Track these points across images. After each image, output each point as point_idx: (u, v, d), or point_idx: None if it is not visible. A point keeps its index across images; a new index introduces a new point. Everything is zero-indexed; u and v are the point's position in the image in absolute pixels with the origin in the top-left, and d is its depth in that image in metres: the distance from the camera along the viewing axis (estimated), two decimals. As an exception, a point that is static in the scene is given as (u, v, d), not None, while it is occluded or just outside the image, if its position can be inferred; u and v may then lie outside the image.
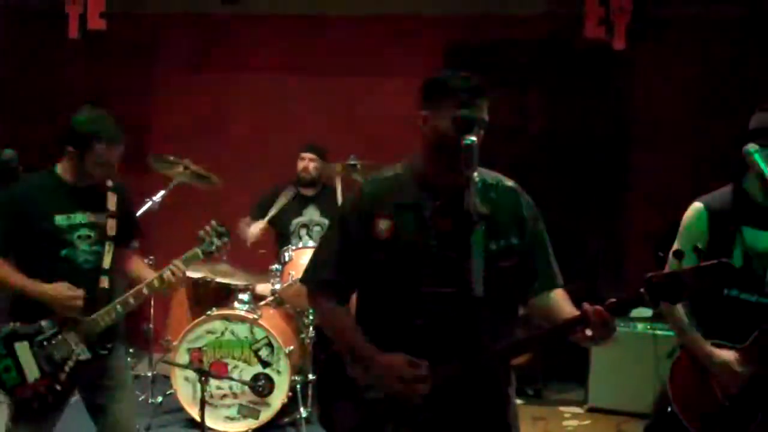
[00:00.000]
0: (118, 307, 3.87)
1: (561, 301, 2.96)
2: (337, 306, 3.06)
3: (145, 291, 3.93)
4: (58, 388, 3.79)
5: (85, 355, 3.82)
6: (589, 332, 2.72)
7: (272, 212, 6.33)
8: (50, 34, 7.08)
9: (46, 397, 3.78)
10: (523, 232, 2.97)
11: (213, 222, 4.09)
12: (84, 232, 3.88)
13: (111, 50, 7.52)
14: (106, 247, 3.92)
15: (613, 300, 2.73)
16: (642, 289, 2.70)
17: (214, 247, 4.07)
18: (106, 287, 3.89)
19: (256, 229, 6.30)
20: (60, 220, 3.84)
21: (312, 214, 6.44)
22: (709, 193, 3.66)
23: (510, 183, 3.05)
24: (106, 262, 3.92)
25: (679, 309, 3.60)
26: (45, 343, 3.79)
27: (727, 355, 3.50)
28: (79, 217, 3.88)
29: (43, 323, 3.80)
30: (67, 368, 3.80)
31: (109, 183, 3.99)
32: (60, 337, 3.80)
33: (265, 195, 6.55)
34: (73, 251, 3.86)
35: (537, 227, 3.03)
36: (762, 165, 3.36)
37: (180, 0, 7.63)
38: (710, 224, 3.54)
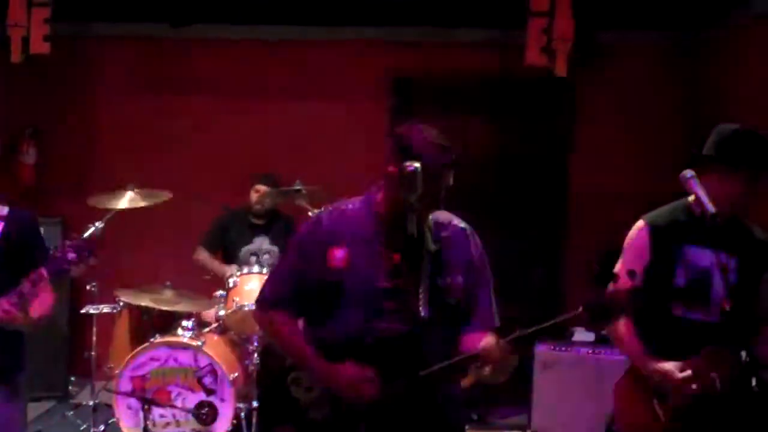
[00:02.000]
0: None
1: (476, 340, 3.04)
2: (286, 319, 3.16)
3: None
4: None
5: None
6: (485, 369, 2.87)
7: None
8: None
9: None
10: (469, 274, 3.09)
11: (74, 235, 3.83)
12: None
13: (55, 74, 7.45)
14: None
15: (515, 334, 2.85)
16: (580, 309, 2.79)
17: (66, 266, 3.69)
18: None
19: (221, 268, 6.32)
20: None
21: (262, 242, 6.43)
22: (654, 211, 3.73)
23: (462, 224, 3.18)
24: None
25: (621, 328, 3.65)
26: None
27: (670, 364, 3.53)
28: None
29: None
30: None
31: (2, 211, 3.83)
32: None
33: (215, 225, 6.54)
34: None
35: (483, 269, 3.15)
36: (699, 191, 3.44)
37: (126, 24, 7.57)
38: (653, 242, 3.61)
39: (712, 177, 3.48)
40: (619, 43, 7.23)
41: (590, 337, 6.21)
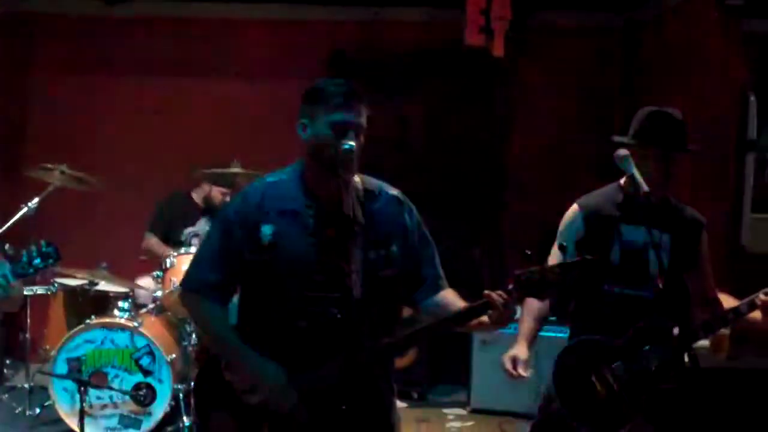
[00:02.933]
0: None
1: (452, 298, 3.04)
2: (214, 307, 3.04)
3: None
4: None
5: None
6: (493, 316, 2.81)
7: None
8: None
9: None
10: (405, 240, 3.03)
11: (41, 242, 3.73)
12: None
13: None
14: None
15: (510, 287, 2.81)
16: (510, 286, 2.80)
17: (31, 271, 3.70)
18: None
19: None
20: None
21: (204, 223, 6.36)
22: (589, 194, 3.80)
23: (393, 191, 3.10)
24: None
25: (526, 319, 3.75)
26: None
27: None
28: None
29: None
30: None
31: None
32: None
33: (158, 209, 6.44)
34: None
35: (421, 234, 3.09)
36: (633, 170, 3.51)
37: (60, 0, 7.43)
38: (587, 224, 3.69)
39: (635, 158, 3.56)
40: (556, 24, 7.28)
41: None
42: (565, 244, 3.35)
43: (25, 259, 3.68)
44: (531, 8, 6.77)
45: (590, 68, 7.36)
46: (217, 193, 6.37)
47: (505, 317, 2.81)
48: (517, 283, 2.79)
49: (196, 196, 6.42)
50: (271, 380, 2.88)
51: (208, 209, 6.40)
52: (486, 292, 2.82)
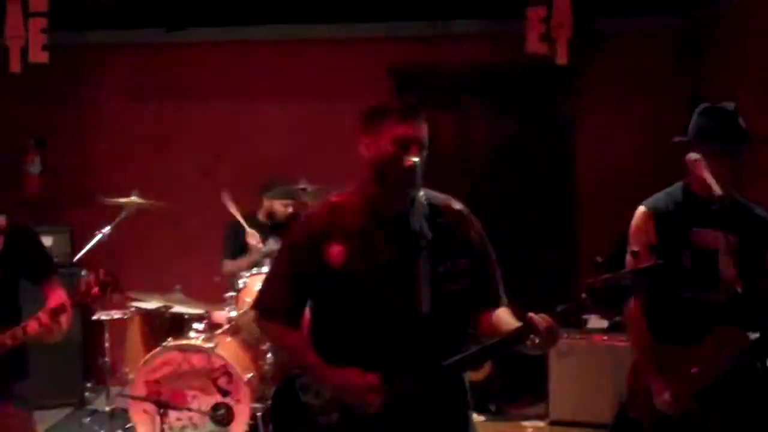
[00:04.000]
0: None
1: (505, 316, 3.00)
2: (286, 329, 3.06)
3: (8, 342, 3.69)
4: None
5: None
6: (535, 340, 2.77)
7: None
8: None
9: None
10: (470, 254, 3.01)
11: (100, 271, 3.80)
12: None
13: (55, 83, 7.45)
14: None
15: (558, 309, 2.78)
16: (583, 295, 2.75)
17: (89, 299, 3.77)
18: None
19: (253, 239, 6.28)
20: None
21: (274, 244, 6.40)
22: (654, 196, 3.74)
23: (458, 206, 3.09)
24: None
25: (641, 325, 3.66)
26: None
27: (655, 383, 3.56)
28: None
29: None
30: None
31: (0, 224, 3.85)
32: None
33: (228, 232, 6.50)
34: None
35: (484, 249, 3.08)
36: (705, 173, 3.45)
37: (121, 31, 7.57)
38: (657, 226, 3.61)
39: (704, 158, 3.51)
40: (618, 30, 7.20)
41: (604, 324, 6.21)
42: (636, 249, 3.29)
43: (83, 289, 3.74)
44: (592, 14, 6.70)
45: (655, 72, 7.25)
46: (279, 206, 6.43)
47: (549, 341, 2.78)
48: (590, 291, 2.75)
49: (261, 215, 6.46)
50: (355, 381, 2.87)
51: (274, 226, 6.43)
52: (529, 314, 2.79)
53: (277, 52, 7.61)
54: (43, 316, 3.68)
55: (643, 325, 3.66)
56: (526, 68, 6.98)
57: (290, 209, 6.40)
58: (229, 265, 6.43)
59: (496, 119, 7.52)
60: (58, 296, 3.88)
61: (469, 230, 3.05)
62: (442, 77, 7.37)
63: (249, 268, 6.10)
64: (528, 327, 2.77)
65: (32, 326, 3.67)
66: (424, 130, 2.91)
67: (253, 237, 6.27)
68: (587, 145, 7.38)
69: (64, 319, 3.73)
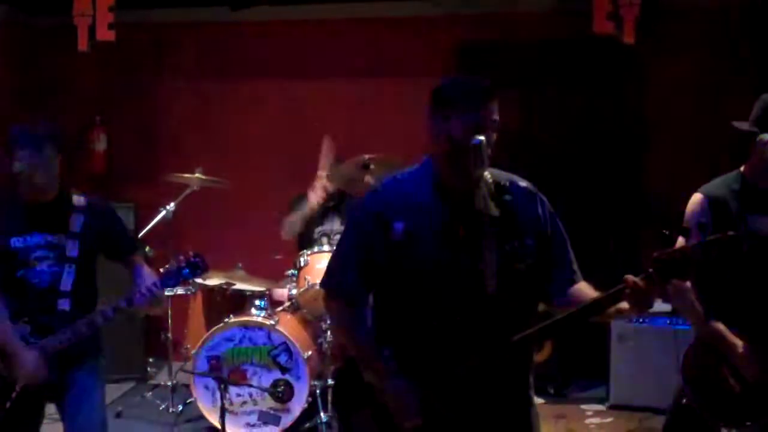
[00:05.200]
0: (69, 332, 3.74)
1: (586, 289, 2.97)
2: (351, 312, 3.07)
3: (99, 320, 3.78)
4: (6, 408, 3.71)
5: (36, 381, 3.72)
6: (626, 304, 2.75)
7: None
8: (60, 47, 7.10)
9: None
10: (539, 232, 2.98)
11: (190, 253, 3.92)
12: (41, 253, 3.83)
13: (120, 60, 7.54)
14: (66, 269, 3.83)
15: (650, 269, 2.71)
16: (651, 269, 2.70)
17: (180, 279, 3.90)
18: (66, 309, 3.79)
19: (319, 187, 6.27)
20: (16, 242, 3.81)
21: (333, 223, 6.39)
22: (710, 182, 3.68)
23: (524, 183, 3.05)
24: (65, 284, 3.82)
25: (695, 300, 3.60)
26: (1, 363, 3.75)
27: (736, 341, 3.52)
28: (35, 238, 3.83)
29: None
30: (17, 388, 3.71)
31: (79, 202, 3.93)
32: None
33: (293, 201, 6.50)
34: (30, 272, 3.82)
35: (554, 226, 3.04)
36: None
37: (186, 9, 7.62)
38: (713, 212, 3.55)
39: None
40: (685, 7, 7.05)
41: (667, 307, 6.11)
42: (687, 227, 3.24)
43: (173, 269, 3.84)
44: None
45: (723, 50, 7.08)
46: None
47: (644, 301, 2.73)
48: (658, 264, 2.70)
49: (313, 195, 6.42)
50: (394, 397, 2.88)
51: (336, 207, 6.42)
52: (626, 276, 2.74)
53: (342, 30, 7.60)
54: (150, 286, 3.80)
55: (700, 311, 3.61)
56: (592, 46, 6.88)
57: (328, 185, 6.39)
58: (290, 217, 6.38)
59: (563, 98, 7.44)
60: (147, 272, 3.99)
61: (536, 208, 3.01)
62: (509, 55, 7.30)
63: (302, 221, 6.10)
64: (625, 287, 2.72)
65: (138, 298, 3.80)
66: (496, 113, 2.88)
67: (314, 193, 6.25)
68: (655, 124, 7.26)
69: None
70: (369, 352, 2.99)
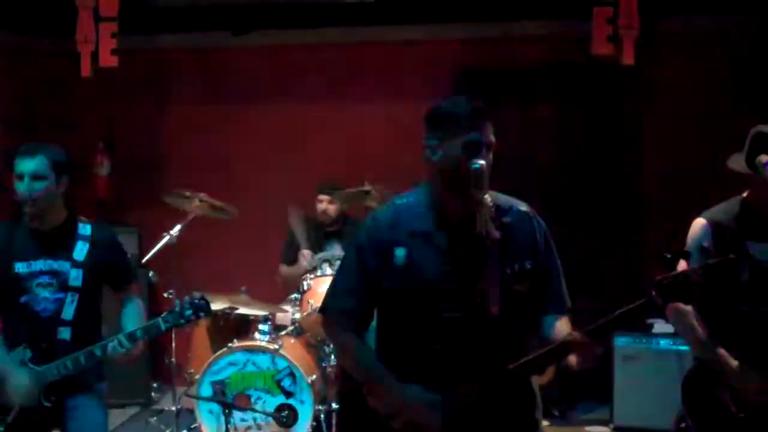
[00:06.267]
0: (68, 363, 3.74)
1: (562, 327, 2.98)
2: (353, 336, 3.08)
3: (97, 352, 3.76)
4: (2, 429, 3.74)
5: (29, 404, 3.75)
6: (573, 358, 2.82)
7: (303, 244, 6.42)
8: (63, 72, 7.14)
9: None
10: (535, 256, 3.00)
11: (195, 294, 3.89)
12: (45, 279, 3.84)
13: (124, 87, 7.58)
14: (68, 298, 3.83)
15: (623, 309, 2.76)
16: (653, 292, 2.71)
17: (182, 321, 3.84)
18: (67, 339, 3.80)
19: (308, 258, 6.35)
20: (20, 267, 3.82)
21: (334, 248, 6.44)
22: (713, 207, 3.69)
23: (523, 207, 3.07)
24: (67, 313, 3.82)
25: (695, 323, 3.61)
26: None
27: (735, 364, 3.53)
28: (39, 264, 3.84)
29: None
30: (13, 413, 3.73)
31: (84, 230, 3.93)
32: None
33: (289, 238, 6.61)
34: (33, 298, 3.83)
35: (549, 252, 3.06)
36: None
37: (188, 34, 7.67)
38: (715, 238, 3.56)
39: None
40: (685, 29, 7.09)
41: (670, 328, 6.11)
42: (689, 250, 3.26)
43: (177, 310, 3.81)
44: (659, 15, 6.61)
45: (724, 74, 7.11)
46: (326, 203, 6.53)
47: (586, 359, 2.80)
48: (660, 287, 2.71)
49: (294, 220, 6.51)
50: (414, 400, 2.87)
51: (337, 232, 6.48)
52: (567, 333, 2.83)
53: (342, 54, 7.64)
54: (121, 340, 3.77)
55: (698, 323, 3.61)
56: (591, 69, 6.91)
57: (331, 208, 6.52)
58: (284, 269, 6.58)
59: (562, 120, 7.46)
60: (135, 308, 4.02)
61: (535, 231, 3.03)
62: (508, 78, 7.33)
63: (299, 277, 6.14)
64: (563, 344, 2.80)
65: (118, 359, 3.80)
66: (491, 133, 2.89)
67: (304, 257, 6.33)
68: (653, 146, 7.28)
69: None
70: (376, 370, 3.00)
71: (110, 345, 3.74)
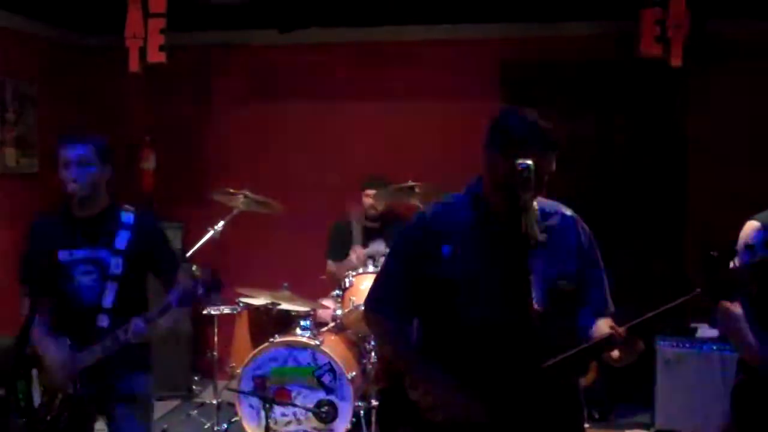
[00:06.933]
0: (97, 349, 3.77)
1: (602, 325, 2.97)
2: (396, 327, 3.11)
3: (120, 336, 3.76)
4: (49, 418, 3.78)
5: (69, 391, 3.79)
6: (616, 353, 2.82)
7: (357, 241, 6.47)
8: (111, 68, 7.23)
9: (48, 424, 3.79)
10: (580, 260, 3.01)
11: (205, 271, 3.88)
12: (86, 268, 3.88)
13: (171, 83, 7.66)
14: (108, 286, 3.87)
15: (636, 320, 2.77)
16: (698, 289, 2.69)
17: (195, 299, 3.83)
18: (105, 327, 3.82)
19: (360, 255, 6.42)
20: (63, 255, 3.87)
21: (378, 246, 6.46)
22: (764, 211, 3.61)
23: (568, 212, 3.09)
24: (107, 301, 3.85)
25: (745, 327, 3.54)
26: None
27: None
28: (81, 253, 3.88)
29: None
30: (57, 401, 3.79)
31: (127, 219, 3.95)
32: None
33: (333, 234, 6.67)
34: (74, 286, 3.87)
35: (593, 256, 3.07)
36: None
37: (236, 31, 7.73)
38: (765, 240, 3.49)
39: None
40: (734, 32, 7.00)
41: (714, 333, 6.05)
42: (752, 243, 3.20)
43: (189, 288, 3.79)
44: (708, 15, 6.53)
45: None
46: (368, 198, 6.54)
47: (628, 355, 2.80)
48: (705, 285, 2.69)
49: (354, 215, 6.51)
50: (457, 391, 2.88)
51: (381, 229, 6.49)
52: (611, 327, 2.83)
53: (389, 52, 7.64)
54: (154, 312, 3.80)
55: (747, 326, 3.54)
56: (639, 69, 6.86)
57: (378, 204, 6.53)
58: (331, 265, 6.62)
59: (607, 121, 7.41)
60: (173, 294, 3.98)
61: (579, 235, 3.04)
62: (553, 78, 7.30)
63: (347, 273, 6.16)
64: (607, 338, 2.79)
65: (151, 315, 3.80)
66: (552, 163, 2.88)
67: (356, 252, 6.34)
68: (701, 149, 7.20)
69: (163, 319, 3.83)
70: (417, 361, 3.03)
71: (132, 327, 3.74)
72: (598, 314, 3.02)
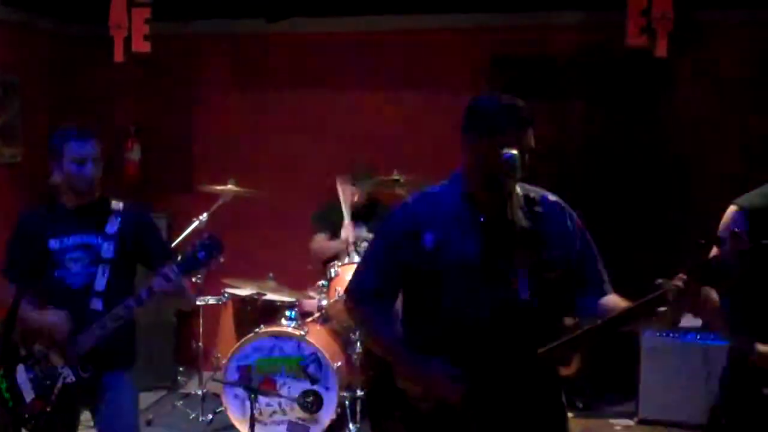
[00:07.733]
0: (95, 328, 3.76)
1: (616, 300, 2.99)
2: (376, 312, 3.12)
3: (122, 312, 3.77)
4: (48, 410, 3.78)
5: (70, 378, 3.78)
6: (663, 310, 2.72)
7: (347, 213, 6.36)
8: (96, 57, 7.19)
9: (40, 419, 3.78)
10: (567, 245, 3.01)
11: (204, 235, 3.82)
12: (77, 254, 3.90)
13: (155, 71, 7.62)
14: (100, 270, 3.89)
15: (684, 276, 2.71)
16: (684, 276, 2.70)
17: (197, 265, 3.76)
18: (99, 309, 3.82)
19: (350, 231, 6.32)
20: (53, 243, 3.89)
21: (360, 231, 6.45)
22: (745, 194, 3.62)
23: (553, 197, 3.09)
24: (99, 285, 3.87)
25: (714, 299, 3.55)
26: (36, 366, 3.81)
27: None
28: (71, 240, 3.90)
29: (36, 347, 3.82)
30: (56, 390, 3.78)
31: (117, 206, 4.00)
32: (48, 360, 3.80)
33: (323, 207, 6.59)
34: (65, 273, 3.89)
35: (584, 240, 3.07)
36: None
37: (222, 20, 7.70)
38: (750, 225, 3.49)
39: None
40: (721, 21, 7.01)
41: (697, 322, 6.08)
42: (721, 236, 3.21)
43: (189, 254, 3.75)
44: (695, 6, 6.54)
45: (758, 65, 7.03)
46: (349, 192, 6.47)
47: (680, 309, 2.75)
48: (692, 272, 2.70)
49: (344, 232, 6.41)
50: (436, 371, 2.90)
51: (365, 216, 6.47)
52: (660, 280, 2.74)
53: (375, 42, 7.62)
54: (157, 280, 3.73)
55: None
56: (624, 60, 6.87)
57: (356, 197, 6.47)
58: (318, 240, 6.50)
59: (593, 111, 7.41)
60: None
61: (566, 221, 3.05)
62: (541, 67, 7.29)
63: (333, 254, 6.13)
64: (661, 295, 2.71)
65: (157, 283, 3.72)
66: (532, 140, 2.90)
67: (346, 229, 6.31)
68: (686, 139, 7.21)
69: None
70: (398, 346, 3.04)
71: (133, 301, 3.75)
72: (597, 293, 3.02)
